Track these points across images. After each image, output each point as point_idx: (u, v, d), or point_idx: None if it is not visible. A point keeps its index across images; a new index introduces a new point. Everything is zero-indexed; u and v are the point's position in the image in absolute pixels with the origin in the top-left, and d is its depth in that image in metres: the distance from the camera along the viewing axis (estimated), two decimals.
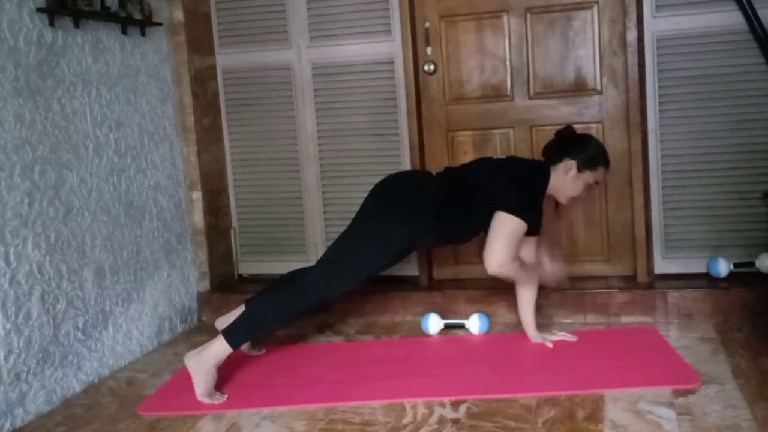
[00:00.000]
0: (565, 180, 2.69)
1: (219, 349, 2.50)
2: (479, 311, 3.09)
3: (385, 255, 2.68)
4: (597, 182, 2.78)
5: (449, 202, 2.65)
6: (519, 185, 2.64)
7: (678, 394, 2.29)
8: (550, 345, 2.76)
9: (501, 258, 2.54)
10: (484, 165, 2.79)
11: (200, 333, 3.28)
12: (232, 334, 2.52)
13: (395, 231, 2.63)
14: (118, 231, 2.98)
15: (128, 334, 3.01)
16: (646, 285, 3.15)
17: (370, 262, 2.65)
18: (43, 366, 2.56)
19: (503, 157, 2.78)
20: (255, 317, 2.62)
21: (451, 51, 3.38)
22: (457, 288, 3.31)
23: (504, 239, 2.55)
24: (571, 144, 2.71)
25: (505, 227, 2.55)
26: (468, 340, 3.00)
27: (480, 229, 2.73)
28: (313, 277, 2.64)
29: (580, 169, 2.68)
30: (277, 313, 2.64)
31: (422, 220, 2.64)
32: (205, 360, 2.49)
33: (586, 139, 2.77)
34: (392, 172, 2.92)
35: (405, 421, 2.26)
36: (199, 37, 3.49)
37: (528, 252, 2.75)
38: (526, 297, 2.80)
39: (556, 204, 2.85)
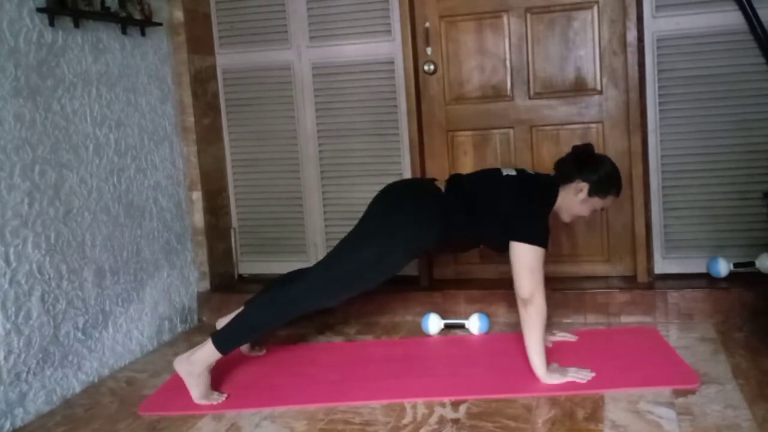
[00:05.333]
0: (574, 201, 2.60)
1: (208, 353, 2.48)
2: (479, 311, 3.09)
3: (386, 270, 2.60)
4: (603, 209, 2.71)
5: (453, 215, 2.57)
6: (533, 211, 2.53)
7: (678, 394, 2.29)
8: (550, 344, 2.75)
9: (531, 288, 2.45)
10: (492, 179, 2.66)
11: (200, 333, 3.27)
12: (222, 340, 2.49)
13: (397, 247, 2.56)
14: (118, 231, 2.98)
15: (128, 334, 3.01)
16: (646, 285, 3.15)
17: (370, 276, 2.59)
18: (43, 366, 2.56)
19: (513, 172, 2.65)
20: (247, 324, 2.57)
21: (451, 51, 3.38)
22: (457, 288, 3.31)
23: (529, 271, 2.45)
24: (587, 164, 2.59)
25: (527, 260, 2.45)
26: (468, 340, 3.00)
27: (480, 242, 2.70)
28: (311, 287, 2.57)
29: (590, 194, 2.58)
30: (270, 321, 2.61)
31: (425, 234, 2.57)
32: (196, 364, 2.47)
33: (602, 162, 2.63)
34: (395, 180, 2.88)
35: (405, 421, 2.26)
36: (199, 37, 3.49)
37: None
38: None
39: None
